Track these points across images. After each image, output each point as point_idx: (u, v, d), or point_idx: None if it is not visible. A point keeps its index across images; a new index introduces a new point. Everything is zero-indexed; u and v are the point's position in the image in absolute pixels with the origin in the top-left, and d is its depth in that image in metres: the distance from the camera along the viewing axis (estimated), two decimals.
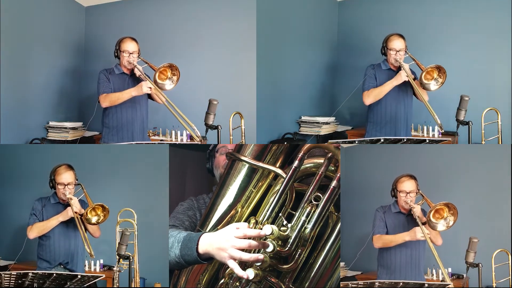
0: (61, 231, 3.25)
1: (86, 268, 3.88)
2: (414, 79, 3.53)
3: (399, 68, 3.58)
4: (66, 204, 3.27)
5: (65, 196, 3.23)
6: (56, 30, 4.37)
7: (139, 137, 3.63)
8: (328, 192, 1.83)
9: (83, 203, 3.24)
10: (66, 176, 3.25)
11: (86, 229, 3.23)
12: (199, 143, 3.35)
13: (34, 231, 3.22)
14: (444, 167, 4.14)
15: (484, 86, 3.99)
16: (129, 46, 3.58)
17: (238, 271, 1.70)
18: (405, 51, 3.58)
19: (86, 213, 3.11)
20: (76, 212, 3.16)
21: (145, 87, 3.45)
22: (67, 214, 3.20)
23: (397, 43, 3.58)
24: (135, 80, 3.61)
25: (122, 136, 3.60)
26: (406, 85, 3.58)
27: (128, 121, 3.60)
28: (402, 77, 3.50)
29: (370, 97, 3.61)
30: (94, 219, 3.14)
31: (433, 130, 3.95)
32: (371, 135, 3.68)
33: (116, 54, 3.63)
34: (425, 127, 3.99)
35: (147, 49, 3.72)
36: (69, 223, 3.25)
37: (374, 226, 3.33)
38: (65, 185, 3.24)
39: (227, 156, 2.03)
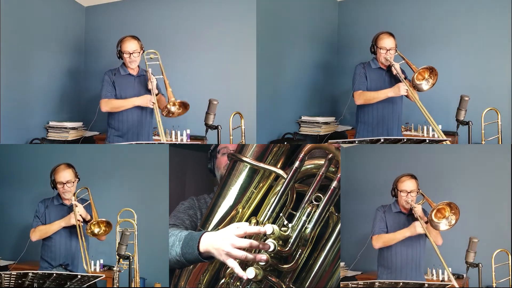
0: (63, 233, 3.25)
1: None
2: (405, 78, 3.48)
3: (389, 67, 3.53)
4: (69, 206, 3.27)
5: (67, 195, 3.24)
6: (56, 30, 4.37)
7: (145, 140, 3.60)
8: (329, 193, 1.83)
9: (87, 205, 3.26)
10: (65, 174, 3.25)
11: (88, 222, 3.23)
12: (200, 143, 3.35)
13: (37, 234, 3.24)
14: (444, 167, 4.14)
15: (484, 86, 3.99)
16: (129, 46, 3.54)
17: (238, 270, 1.70)
18: (395, 50, 3.52)
19: (90, 225, 3.13)
20: (78, 220, 3.16)
21: (150, 102, 3.46)
22: (69, 221, 3.20)
23: (387, 42, 3.52)
24: (142, 82, 3.58)
25: (127, 139, 3.58)
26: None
27: (134, 124, 3.57)
28: (401, 91, 3.39)
29: (361, 99, 3.54)
30: (96, 230, 3.16)
31: (433, 130, 3.95)
32: (362, 136, 3.62)
33: (118, 55, 3.59)
34: (425, 127, 3.99)
35: (147, 49, 3.71)
36: (73, 227, 3.22)
37: (374, 225, 3.32)
38: (64, 183, 3.24)
39: (229, 157, 2.03)
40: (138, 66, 3.62)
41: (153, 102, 3.45)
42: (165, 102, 3.55)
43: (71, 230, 3.26)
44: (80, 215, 3.18)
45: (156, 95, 3.52)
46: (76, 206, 3.19)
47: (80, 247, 3.24)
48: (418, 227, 3.14)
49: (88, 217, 3.22)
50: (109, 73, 3.58)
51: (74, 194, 3.26)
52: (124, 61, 3.58)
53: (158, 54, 3.56)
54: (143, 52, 3.58)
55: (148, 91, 3.53)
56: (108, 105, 3.53)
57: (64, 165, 3.29)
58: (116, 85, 3.56)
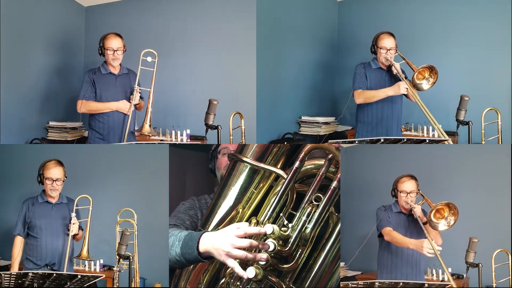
0: (50, 232, 3.20)
1: (86, 268, 3.89)
2: (405, 78, 3.49)
3: (389, 67, 3.54)
4: (54, 204, 3.23)
5: (53, 193, 3.20)
6: (56, 30, 4.37)
7: (128, 140, 3.55)
8: (329, 193, 1.83)
9: (78, 215, 3.25)
10: (55, 172, 3.18)
11: (74, 236, 3.23)
12: (200, 143, 3.36)
13: (19, 244, 3.21)
14: (444, 167, 4.14)
15: (484, 86, 3.99)
16: (113, 43, 3.48)
17: (238, 270, 1.70)
18: (395, 50, 3.53)
19: (81, 252, 3.19)
20: (70, 231, 3.18)
21: (127, 111, 3.48)
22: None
23: (387, 42, 3.52)
24: (124, 81, 3.56)
25: (108, 141, 3.55)
26: None
27: (115, 125, 3.54)
28: (401, 90, 3.41)
29: (361, 97, 3.54)
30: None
31: (433, 130, 3.95)
32: (362, 135, 3.62)
33: (100, 51, 3.52)
34: (425, 127, 3.99)
35: (145, 49, 3.70)
36: (59, 225, 3.21)
37: (380, 221, 3.29)
38: (54, 180, 3.17)
39: (229, 157, 2.03)
40: (120, 64, 3.57)
41: (130, 110, 3.48)
42: (142, 107, 3.59)
43: (57, 229, 3.21)
44: (72, 230, 3.17)
45: (136, 105, 3.55)
46: (74, 224, 3.16)
47: (66, 247, 3.19)
48: (425, 248, 3.10)
49: (77, 232, 3.21)
50: (90, 73, 3.53)
51: (74, 203, 3.22)
52: (106, 59, 3.52)
53: (156, 56, 3.52)
54: (125, 50, 3.52)
55: (130, 91, 3.53)
56: (85, 106, 3.49)
57: (55, 162, 3.22)
58: (97, 84, 3.51)
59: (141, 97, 3.58)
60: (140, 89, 3.52)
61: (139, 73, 3.51)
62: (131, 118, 3.52)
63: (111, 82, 3.54)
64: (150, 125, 3.49)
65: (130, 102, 3.49)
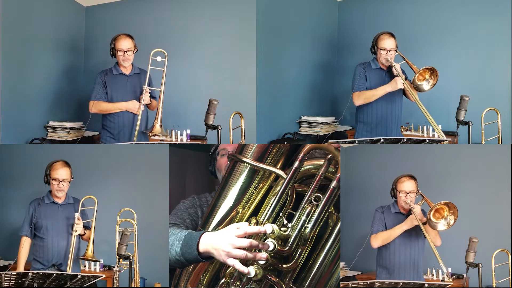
0: (56, 232, 3.21)
1: (86, 268, 3.89)
2: (406, 78, 3.49)
3: (389, 67, 3.53)
4: (60, 204, 3.24)
5: (60, 193, 3.21)
6: (56, 30, 4.37)
7: (139, 140, 3.60)
8: (328, 193, 1.83)
9: (85, 215, 3.26)
10: (61, 172, 3.21)
11: (81, 236, 3.24)
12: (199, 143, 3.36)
13: (25, 244, 3.21)
14: (444, 167, 4.14)
15: (484, 86, 3.99)
16: (124, 43, 3.53)
17: (239, 266, 1.71)
18: (396, 50, 3.52)
19: (86, 252, 3.17)
20: (76, 231, 3.17)
21: (136, 110, 3.51)
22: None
23: (387, 43, 3.51)
24: (135, 81, 3.58)
25: (119, 140, 3.59)
26: None
27: (125, 125, 3.58)
28: (398, 84, 3.42)
29: (360, 99, 3.53)
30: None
31: (433, 130, 3.95)
32: (362, 135, 3.62)
33: (112, 52, 3.58)
34: (425, 127, 3.99)
35: (147, 49, 3.70)
36: (65, 226, 3.22)
37: (372, 225, 3.32)
38: (60, 181, 3.20)
39: (229, 157, 2.04)
40: (132, 64, 3.62)
41: (139, 110, 3.50)
42: (155, 107, 3.61)
43: (63, 229, 3.22)
44: (76, 230, 3.16)
45: (147, 104, 3.58)
46: (78, 223, 3.16)
47: (72, 247, 3.19)
48: (414, 220, 3.13)
49: (82, 232, 3.21)
50: (101, 74, 3.59)
51: (79, 204, 3.22)
52: (118, 59, 3.58)
53: (166, 56, 3.53)
54: (136, 50, 3.57)
55: (140, 91, 3.55)
56: (96, 107, 3.56)
57: (62, 162, 3.24)
58: (108, 85, 3.57)
59: (153, 97, 3.61)
60: (150, 89, 3.55)
61: (149, 73, 3.53)
62: (141, 117, 3.54)
63: (121, 83, 3.59)
64: (161, 125, 3.51)
65: (139, 102, 3.52)
